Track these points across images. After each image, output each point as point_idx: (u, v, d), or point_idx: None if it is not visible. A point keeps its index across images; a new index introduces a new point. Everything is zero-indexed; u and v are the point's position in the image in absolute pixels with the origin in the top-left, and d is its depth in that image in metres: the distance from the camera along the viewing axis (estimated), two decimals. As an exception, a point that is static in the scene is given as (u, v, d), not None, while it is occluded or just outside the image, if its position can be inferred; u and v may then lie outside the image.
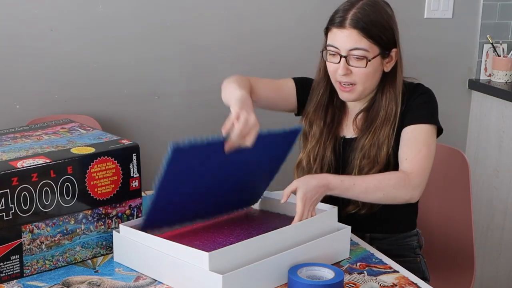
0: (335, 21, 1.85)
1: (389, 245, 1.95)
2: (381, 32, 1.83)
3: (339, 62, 1.84)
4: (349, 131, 1.96)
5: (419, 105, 1.88)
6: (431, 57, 3.17)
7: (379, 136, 1.87)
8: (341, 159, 1.95)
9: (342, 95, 1.90)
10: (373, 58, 1.83)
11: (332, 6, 1.91)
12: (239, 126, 1.60)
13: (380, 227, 1.95)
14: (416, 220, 2.04)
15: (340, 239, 1.72)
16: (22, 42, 2.60)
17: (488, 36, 3.22)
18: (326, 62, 1.90)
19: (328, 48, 1.87)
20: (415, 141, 1.84)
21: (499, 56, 3.21)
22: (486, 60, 3.26)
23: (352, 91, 1.86)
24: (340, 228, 1.73)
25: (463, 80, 3.29)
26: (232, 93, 1.76)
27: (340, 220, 1.76)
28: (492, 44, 3.22)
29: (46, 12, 2.61)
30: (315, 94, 1.98)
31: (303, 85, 2.04)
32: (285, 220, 1.76)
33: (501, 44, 3.24)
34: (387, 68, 1.88)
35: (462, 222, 2.23)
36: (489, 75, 3.26)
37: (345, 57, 1.83)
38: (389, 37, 1.85)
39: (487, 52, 3.25)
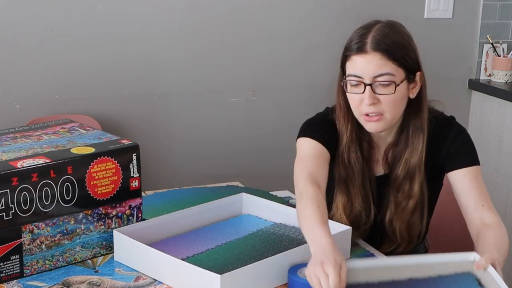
0: (352, 48, 1.67)
1: (395, 253, 1.86)
2: (405, 54, 1.68)
3: (363, 92, 1.66)
4: (378, 168, 1.84)
5: (463, 147, 1.78)
6: (431, 57, 3.16)
7: (409, 168, 1.77)
8: (376, 198, 1.83)
9: (369, 126, 1.72)
10: (401, 82, 1.67)
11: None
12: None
13: (394, 243, 1.86)
14: (426, 235, 1.98)
15: (340, 239, 1.71)
16: (22, 42, 2.60)
17: (488, 36, 3.21)
18: (348, 94, 1.71)
19: (349, 78, 1.68)
20: (478, 184, 1.75)
21: (499, 56, 3.21)
22: (486, 60, 3.26)
23: (379, 121, 1.69)
24: (340, 228, 1.73)
25: (463, 80, 3.29)
26: (318, 239, 1.51)
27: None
28: (492, 44, 3.21)
29: (46, 12, 2.61)
30: (344, 132, 1.78)
31: (326, 135, 1.80)
32: None
33: (501, 44, 3.24)
34: (413, 94, 1.73)
35: (462, 222, 2.22)
36: (489, 75, 3.26)
37: (370, 85, 1.65)
38: (413, 59, 1.71)
39: (487, 52, 3.25)
